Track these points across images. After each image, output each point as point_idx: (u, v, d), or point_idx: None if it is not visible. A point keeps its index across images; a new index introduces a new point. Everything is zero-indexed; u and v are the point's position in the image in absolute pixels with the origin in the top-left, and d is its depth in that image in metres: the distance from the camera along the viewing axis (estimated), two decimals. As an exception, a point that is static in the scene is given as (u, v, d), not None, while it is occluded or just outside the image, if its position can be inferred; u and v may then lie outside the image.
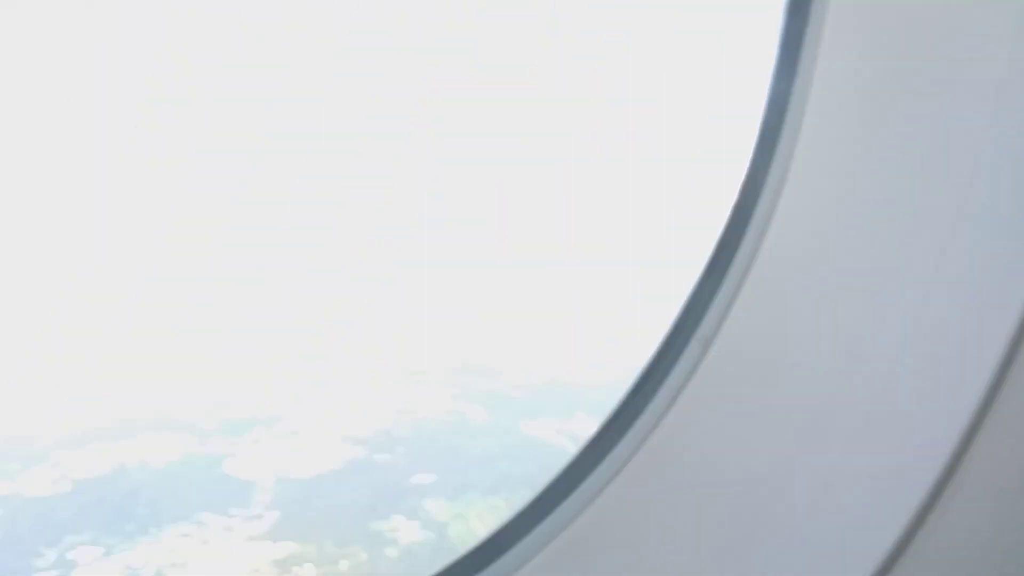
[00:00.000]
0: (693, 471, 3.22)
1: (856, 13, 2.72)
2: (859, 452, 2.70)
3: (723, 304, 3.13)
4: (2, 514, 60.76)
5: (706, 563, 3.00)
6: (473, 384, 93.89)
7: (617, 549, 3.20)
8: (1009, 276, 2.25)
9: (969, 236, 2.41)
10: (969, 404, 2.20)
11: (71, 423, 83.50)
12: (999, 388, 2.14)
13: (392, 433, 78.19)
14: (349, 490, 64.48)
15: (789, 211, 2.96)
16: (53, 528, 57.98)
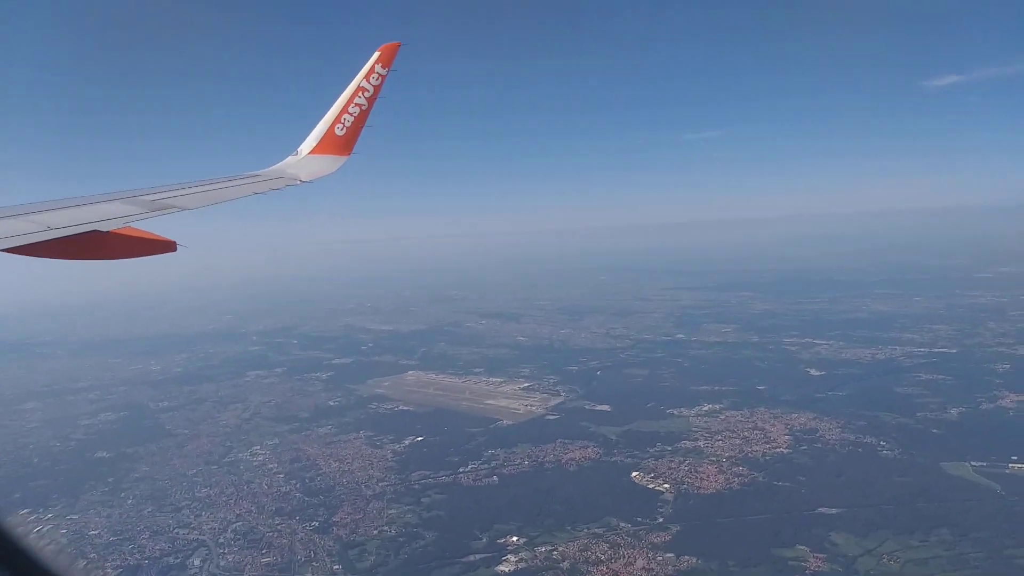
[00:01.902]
0: None
1: None
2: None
3: None
4: (445, 499, 72.08)
5: None
6: (881, 418, 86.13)
7: None
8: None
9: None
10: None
11: (500, 426, 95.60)
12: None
13: (793, 461, 75.43)
14: (750, 512, 63.78)
15: None
16: (486, 516, 67.10)
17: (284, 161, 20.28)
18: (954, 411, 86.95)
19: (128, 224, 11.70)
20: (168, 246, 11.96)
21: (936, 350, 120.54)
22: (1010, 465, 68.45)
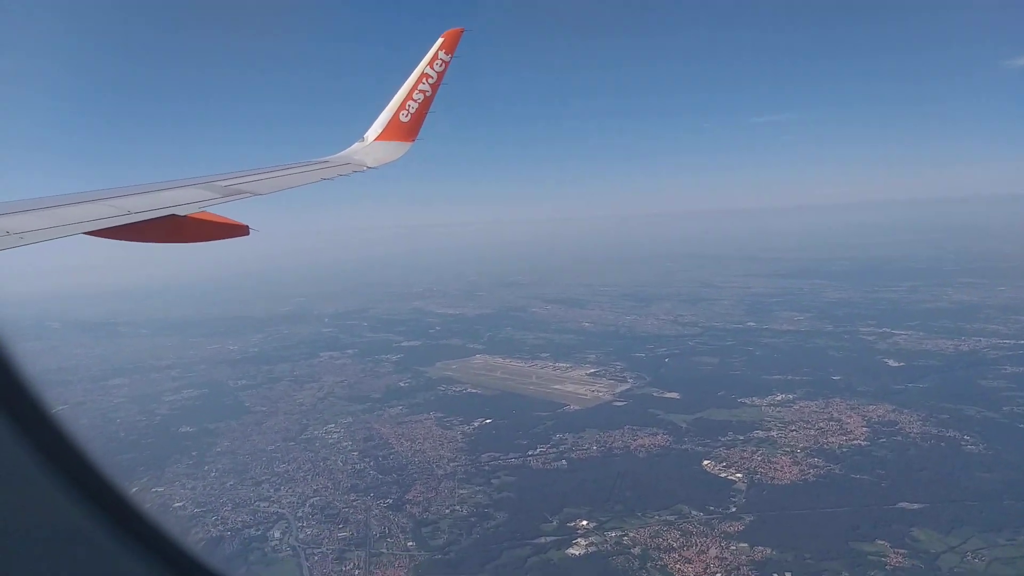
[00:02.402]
0: None
1: None
2: None
3: None
4: (515, 481, 72.71)
5: None
6: (964, 411, 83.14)
7: None
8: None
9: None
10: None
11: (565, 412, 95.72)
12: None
13: (871, 453, 73.47)
14: (826, 505, 62.51)
15: None
16: (555, 499, 67.49)
17: (351, 147, 20.58)
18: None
19: (204, 209, 12.06)
20: (242, 230, 12.38)
21: (1023, 342, 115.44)
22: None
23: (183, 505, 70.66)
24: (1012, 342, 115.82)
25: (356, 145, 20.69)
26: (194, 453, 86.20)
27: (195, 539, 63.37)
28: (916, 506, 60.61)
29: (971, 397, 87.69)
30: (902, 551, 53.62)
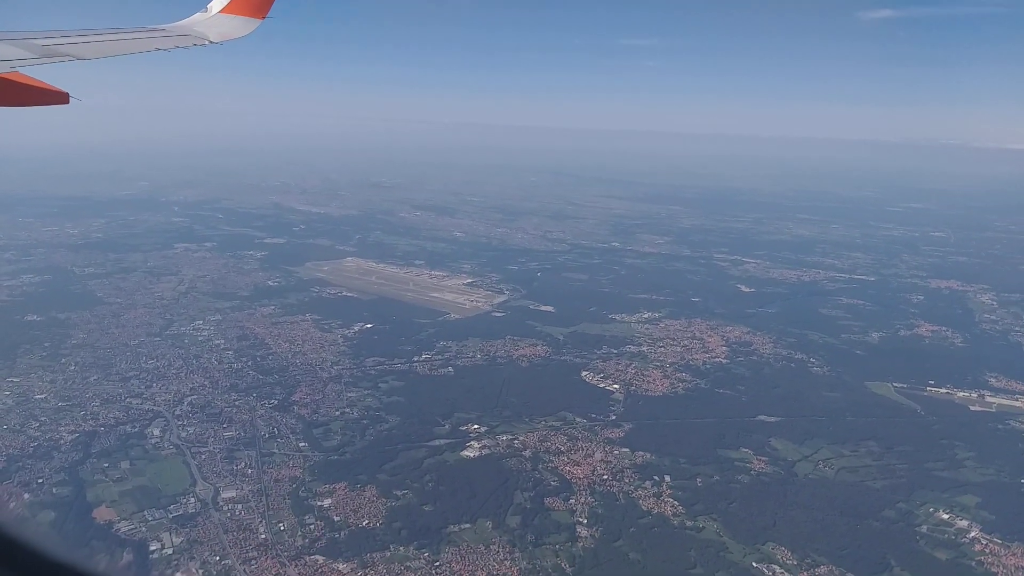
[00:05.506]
0: None
1: None
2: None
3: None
4: (403, 386, 73.14)
5: None
6: (808, 336, 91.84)
7: None
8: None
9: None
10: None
11: (451, 321, 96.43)
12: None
13: (731, 371, 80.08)
14: (695, 416, 67.96)
15: None
16: (445, 404, 68.69)
17: (191, 17, 18.71)
18: (875, 335, 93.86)
19: (16, 69, 10.76)
20: (60, 97, 11.14)
21: (856, 277, 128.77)
22: (927, 388, 75.26)
23: (45, 398, 65.53)
24: (847, 276, 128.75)
25: (198, 15, 18.70)
26: (47, 344, 79.59)
27: (65, 434, 59.24)
28: (773, 419, 67.29)
29: (814, 323, 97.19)
30: (764, 458, 59.69)
